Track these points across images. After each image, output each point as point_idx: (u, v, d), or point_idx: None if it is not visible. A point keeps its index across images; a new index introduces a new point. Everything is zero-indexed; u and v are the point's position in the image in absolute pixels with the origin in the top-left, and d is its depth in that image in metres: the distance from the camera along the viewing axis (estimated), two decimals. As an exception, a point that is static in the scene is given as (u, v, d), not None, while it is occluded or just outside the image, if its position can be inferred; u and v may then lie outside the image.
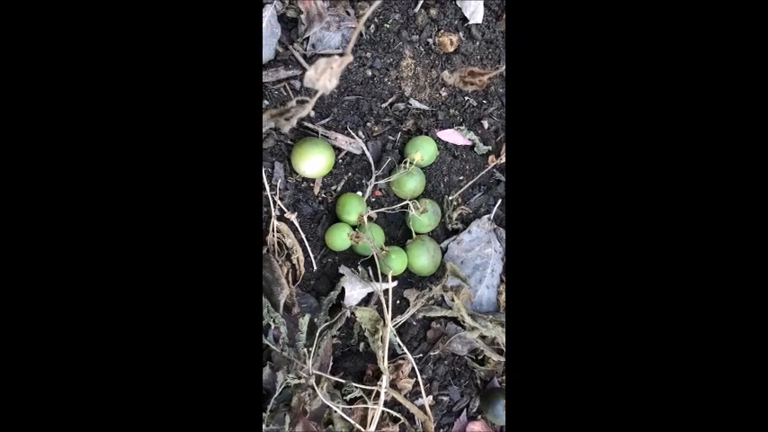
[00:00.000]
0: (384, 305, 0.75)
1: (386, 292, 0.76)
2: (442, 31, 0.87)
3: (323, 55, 0.83)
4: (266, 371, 0.73)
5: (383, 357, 0.72)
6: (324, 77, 0.49)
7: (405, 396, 0.77)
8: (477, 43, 0.89)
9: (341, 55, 0.49)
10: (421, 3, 0.86)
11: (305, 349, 0.72)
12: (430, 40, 0.87)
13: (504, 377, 0.87)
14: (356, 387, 0.73)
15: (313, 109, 0.82)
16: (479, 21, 0.88)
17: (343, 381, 0.74)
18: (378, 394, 0.74)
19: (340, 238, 0.78)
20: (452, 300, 0.76)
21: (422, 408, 0.76)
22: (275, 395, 0.71)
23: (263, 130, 0.63)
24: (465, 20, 0.88)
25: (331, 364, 0.79)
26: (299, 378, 0.71)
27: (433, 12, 0.87)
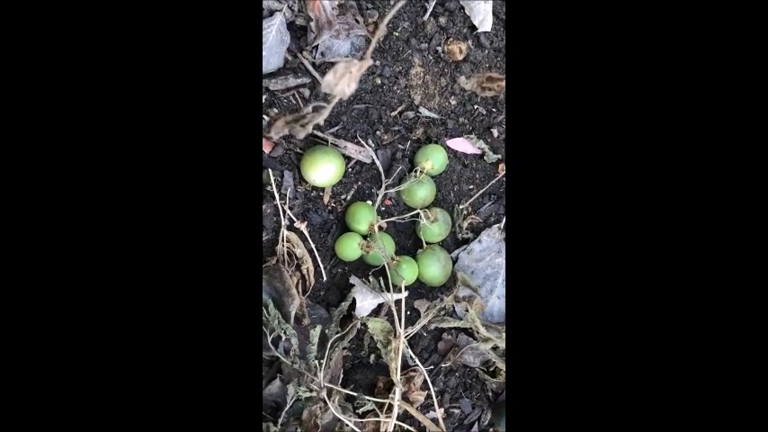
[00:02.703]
0: (396, 316, 0.74)
1: (398, 302, 0.74)
2: (451, 39, 0.87)
3: (332, 63, 0.82)
4: (276, 383, 0.72)
5: (396, 369, 0.70)
6: (342, 82, 0.48)
7: (417, 409, 0.75)
8: (486, 51, 0.88)
9: (360, 59, 0.48)
10: (430, 11, 0.86)
11: (316, 361, 0.71)
12: (439, 49, 0.86)
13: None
14: (368, 400, 0.72)
15: (322, 117, 0.81)
16: (488, 29, 0.88)
17: (355, 394, 0.72)
18: (390, 407, 0.72)
19: (350, 248, 0.77)
20: (466, 310, 0.74)
21: (434, 420, 0.75)
22: (286, 408, 0.70)
23: (277, 137, 0.62)
24: (473, 28, 0.88)
25: (341, 376, 0.77)
26: (311, 391, 0.69)
27: (442, 20, 0.86)
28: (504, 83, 0.52)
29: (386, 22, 0.41)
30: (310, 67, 0.81)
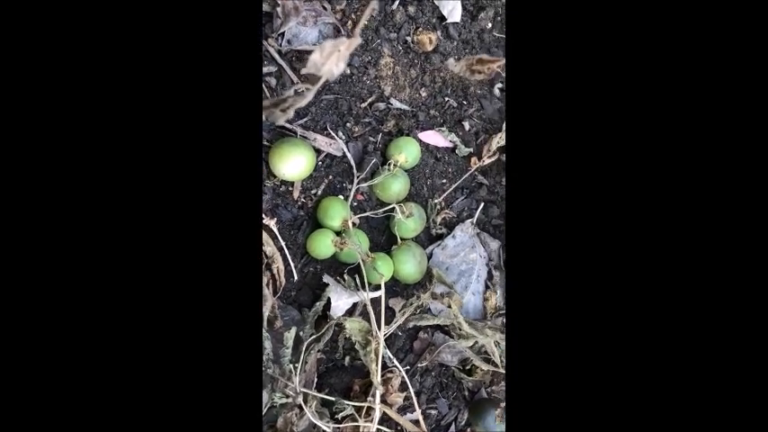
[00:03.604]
0: (373, 315, 0.70)
1: (376, 301, 0.71)
2: (421, 29, 0.84)
3: (299, 51, 0.78)
4: (248, 391, 0.67)
5: (377, 371, 0.67)
6: (330, 62, 0.45)
7: (395, 411, 0.72)
8: (455, 43, 0.86)
9: (348, 36, 0.45)
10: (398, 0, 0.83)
11: (291, 365, 0.67)
12: (408, 39, 0.84)
13: (492, 387, 0.84)
14: (348, 404, 0.68)
15: (289, 108, 0.77)
16: (457, 19, 0.85)
17: (333, 398, 0.69)
18: (368, 410, 0.69)
19: (323, 245, 0.73)
20: (449, 306, 0.72)
21: (415, 422, 0.72)
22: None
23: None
24: (442, 18, 0.85)
25: (316, 380, 0.73)
26: (287, 397, 0.65)
27: (411, 9, 0.84)
28: (494, 65, 0.49)
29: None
30: (276, 56, 0.77)
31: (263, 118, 0.51)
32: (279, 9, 0.75)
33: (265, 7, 0.76)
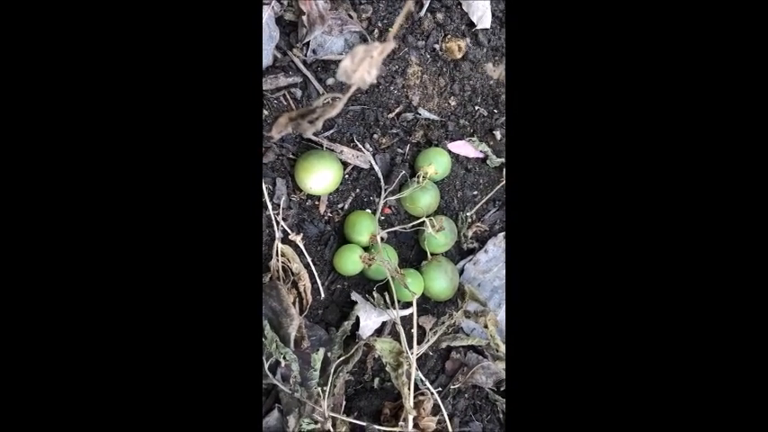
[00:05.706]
0: (403, 335, 0.67)
1: (407, 320, 0.68)
2: (449, 36, 0.81)
3: (325, 61, 0.76)
4: (274, 415, 0.64)
5: (409, 395, 0.63)
6: (362, 68, 0.42)
7: (429, 436, 0.68)
8: (485, 50, 0.83)
9: (381, 41, 0.42)
10: (426, 6, 0.80)
11: (318, 388, 0.63)
12: (436, 46, 0.81)
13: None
14: (380, 430, 0.64)
15: (315, 120, 0.75)
16: (487, 26, 0.82)
17: (363, 423, 0.65)
18: (401, 436, 0.65)
19: (351, 261, 0.70)
20: (485, 326, 0.68)
21: (450, 449, 0.68)
22: (287, 443, 0.62)
23: (279, 136, 0.55)
24: (472, 25, 0.82)
25: (344, 403, 0.70)
26: (315, 422, 0.62)
27: (440, 16, 0.81)
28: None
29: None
30: (302, 66, 0.74)
31: (290, 130, 0.49)
32: (304, 18, 0.73)
33: (290, 16, 0.74)
